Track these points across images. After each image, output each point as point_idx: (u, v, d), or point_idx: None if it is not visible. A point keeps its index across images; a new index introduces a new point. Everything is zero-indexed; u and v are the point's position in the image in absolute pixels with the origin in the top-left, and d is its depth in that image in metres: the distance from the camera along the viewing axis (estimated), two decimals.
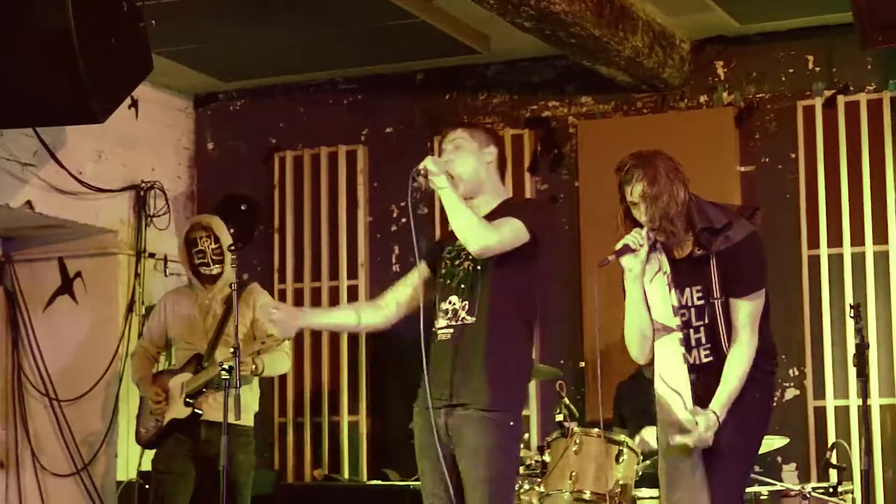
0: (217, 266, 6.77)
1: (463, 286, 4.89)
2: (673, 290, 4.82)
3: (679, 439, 4.74)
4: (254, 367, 6.52)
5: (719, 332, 4.78)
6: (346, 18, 7.39)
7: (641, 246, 4.78)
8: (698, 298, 4.80)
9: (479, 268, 4.86)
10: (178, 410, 6.61)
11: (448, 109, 8.31)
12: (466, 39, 7.72)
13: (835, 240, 7.45)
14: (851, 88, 7.52)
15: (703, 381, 4.82)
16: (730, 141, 7.70)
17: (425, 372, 4.82)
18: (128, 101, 7.81)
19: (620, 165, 4.86)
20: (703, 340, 4.82)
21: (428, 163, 4.77)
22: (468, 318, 4.84)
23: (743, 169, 7.71)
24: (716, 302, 4.76)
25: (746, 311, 4.76)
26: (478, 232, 4.73)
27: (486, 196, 5.01)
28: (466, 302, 4.86)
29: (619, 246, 4.81)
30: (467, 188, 4.94)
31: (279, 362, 6.72)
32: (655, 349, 4.87)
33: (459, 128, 5.13)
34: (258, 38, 7.69)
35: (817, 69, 7.63)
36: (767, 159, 7.69)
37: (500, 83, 8.22)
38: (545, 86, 8.13)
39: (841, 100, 7.50)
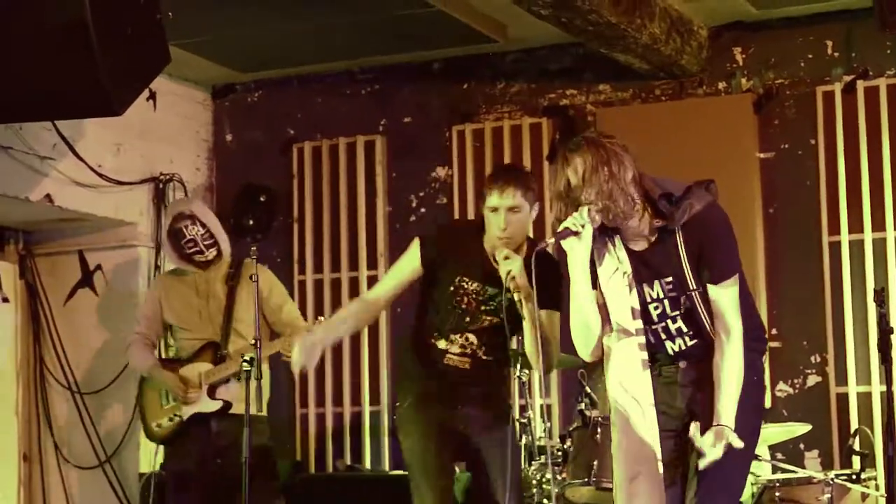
0: (212, 250, 6.64)
1: None
2: (633, 289, 4.53)
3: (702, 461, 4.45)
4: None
5: (701, 320, 4.51)
6: (362, 8, 7.38)
7: (584, 226, 4.43)
8: (670, 290, 4.52)
9: None
10: (204, 404, 6.51)
11: (466, 98, 8.30)
12: (483, 28, 7.71)
13: (856, 226, 7.41)
14: (871, 73, 7.48)
15: (695, 364, 4.56)
16: (749, 127, 7.67)
17: None
18: (146, 93, 7.82)
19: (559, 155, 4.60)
20: (685, 329, 4.55)
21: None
22: None
23: (762, 155, 7.67)
24: (693, 294, 4.48)
25: (726, 296, 4.49)
26: None
27: None
28: None
29: (560, 228, 4.46)
30: None
31: None
32: (613, 353, 4.58)
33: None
34: (275, 28, 7.69)
35: (836, 54, 7.59)
36: (787, 145, 7.65)
37: (518, 72, 8.20)
38: (563, 74, 8.10)
39: (861, 85, 7.47)
